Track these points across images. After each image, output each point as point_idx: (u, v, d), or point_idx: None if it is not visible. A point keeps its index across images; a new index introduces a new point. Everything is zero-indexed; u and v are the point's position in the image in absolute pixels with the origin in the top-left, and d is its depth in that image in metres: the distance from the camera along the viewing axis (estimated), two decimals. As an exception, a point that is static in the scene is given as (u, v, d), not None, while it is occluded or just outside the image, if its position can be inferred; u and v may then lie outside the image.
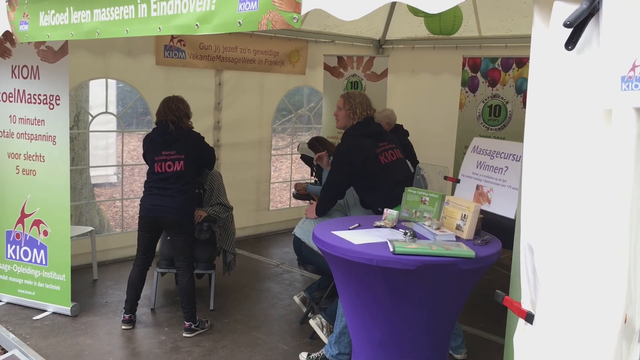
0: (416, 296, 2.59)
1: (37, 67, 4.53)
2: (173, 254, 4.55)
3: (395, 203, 3.79)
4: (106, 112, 6.05)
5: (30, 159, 4.65)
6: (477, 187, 3.00)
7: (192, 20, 2.51)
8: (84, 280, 5.44)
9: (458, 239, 2.85)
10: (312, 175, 6.37)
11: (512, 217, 2.62)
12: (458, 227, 2.87)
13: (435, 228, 2.86)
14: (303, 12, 2.11)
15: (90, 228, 5.51)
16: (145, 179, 4.54)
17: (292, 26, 2.13)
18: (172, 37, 6.07)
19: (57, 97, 4.48)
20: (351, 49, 7.80)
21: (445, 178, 3.23)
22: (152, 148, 4.46)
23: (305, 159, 6.16)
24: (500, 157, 2.89)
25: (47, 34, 3.45)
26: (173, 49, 6.11)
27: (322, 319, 4.31)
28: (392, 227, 3.06)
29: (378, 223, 3.09)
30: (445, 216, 2.97)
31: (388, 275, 2.53)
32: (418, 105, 7.58)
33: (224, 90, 6.66)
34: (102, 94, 6.28)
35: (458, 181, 3.19)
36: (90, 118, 6.25)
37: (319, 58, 7.40)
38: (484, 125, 6.63)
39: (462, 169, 3.17)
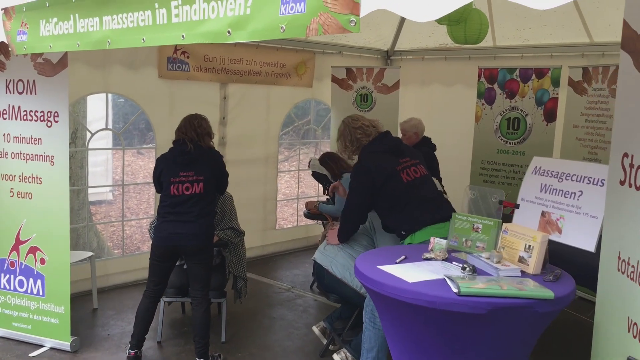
0: (482, 342, 2.25)
1: (34, 81, 4.18)
2: (189, 282, 4.17)
3: (419, 225, 3.45)
4: (106, 129, 5.68)
5: (26, 180, 4.28)
6: (543, 213, 2.67)
7: (222, 26, 2.17)
8: (84, 309, 5.05)
9: (523, 273, 2.52)
10: (324, 193, 6.03)
11: (592, 249, 2.29)
12: (522, 260, 2.54)
13: (496, 261, 2.53)
14: (362, 13, 1.78)
15: (90, 253, 5.12)
16: (159, 203, 4.17)
17: (349, 30, 1.80)
18: (176, 48, 5.74)
19: (56, 114, 4.12)
20: (359, 61, 7.50)
21: (501, 203, 2.90)
22: (168, 169, 4.11)
23: (317, 176, 5.84)
24: (572, 180, 2.56)
25: (49, 44, 3.10)
26: (176, 61, 5.78)
27: (347, 353, 3.96)
28: (443, 260, 2.72)
29: (427, 255, 2.75)
30: (504, 246, 2.64)
31: (450, 320, 2.19)
32: (430, 119, 7.21)
33: (229, 104, 6.33)
34: (99, 109, 5.94)
35: (517, 207, 2.86)
36: (88, 135, 5.88)
37: (326, 70, 7.09)
38: (502, 139, 6.33)
39: (522, 193, 2.84)
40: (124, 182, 5.85)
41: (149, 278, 4.18)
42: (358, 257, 2.77)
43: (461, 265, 2.53)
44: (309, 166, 5.86)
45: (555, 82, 5.92)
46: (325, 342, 4.33)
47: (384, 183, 3.62)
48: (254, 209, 6.58)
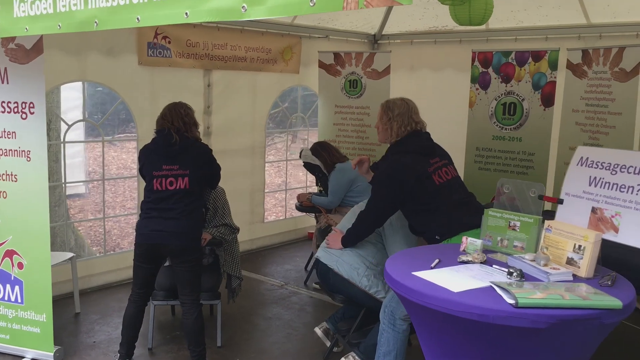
0: (536, 357, 2.02)
1: (5, 69, 3.80)
2: (177, 286, 3.87)
3: (455, 232, 3.20)
4: (84, 120, 5.31)
5: (0, 178, 3.91)
6: (594, 210, 2.44)
7: (235, 1, 1.87)
8: (65, 314, 4.71)
9: (574, 277, 2.29)
10: (317, 184, 5.76)
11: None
12: (571, 262, 2.31)
13: (543, 264, 2.29)
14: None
15: (71, 254, 4.78)
16: (143, 199, 3.85)
17: (399, 2, 1.52)
18: (156, 32, 5.39)
19: (31, 105, 3.76)
20: (345, 45, 7.21)
21: (541, 198, 2.66)
22: (150, 161, 3.78)
23: (309, 166, 5.56)
24: (628, 172, 2.33)
25: (24, 27, 2.76)
26: (157, 46, 5.42)
27: (356, 357, 3.71)
28: (482, 263, 2.47)
29: (463, 258, 2.50)
30: (547, 246, 2.40)
31: (504, 334, 1.95)
32: (420, 105, 6.95)
33: (214, 91, 5.99)
34: (73, 99, 5.55)
35: (560, 202, 2.62)
36: (62, 126, 5.49)
37: (313, 55, 6.79)
38: (497, 125, 6.11)
39: (566, 187, 2.60)
40: (104, 177, 5.50)
41: (133, 281, 3.88)
42: (387, 262, 2.51)
43: (505, 269, 2.28)
44: (300, 156, 5.57)
45: (553, 65, 5.72)
46: (328, 344, 4.08)
47: (414, 186, 3.33)
48: (241, 202, 6.27)
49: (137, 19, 2.21)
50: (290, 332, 4.51)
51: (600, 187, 2.43)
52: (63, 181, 5.74)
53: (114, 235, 8.12)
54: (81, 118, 5.64)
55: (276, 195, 9.26)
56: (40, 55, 3.64)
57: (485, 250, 2.64)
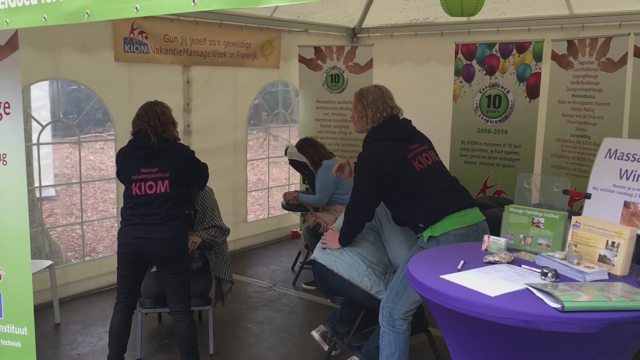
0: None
1: (-23, 67, 3.54)
2: (166, 294, 3.68)
3: (439, 216, 3.10)
4: (59, 120, 5.05)
5: (-27, 184, 3.65)
6: (627, 204, 2.34)
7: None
8: (45, 325, 4.47)
9: (609, 275, 2.19)
10: (303, 182, 5.60)
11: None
12: (603, 260, 2.20)
13: (575, 262, 2.18)
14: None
15: (49, 262, 4.54)
16: (123, 205, 3.65)
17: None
18: (132, 27, 5.16)
19: (6, 105, 3.49)
20: (325, 39, 7.06)
21: (566, 192, 2.55)
22: (128, 165, 3.59)
23: (295, 164, 5.40)
24: (662, 164, 2.24)
25: (4, 20, 2.53)
26: (134, 42, 5.19)
27: (359, 361, 3.58)
28: (509, 263, 2.36)
29: (490, 258, 2.38)
30: (576, 243, 2.30)
31: (549, 340, 1.83)
32: (403, 99, 6.81)
33: (193, 88, 5.78)
34: (41, 98, 5.29)
35: (587, 196, 2.52)
36: (34, 126, 5.23)
37: (293, 50, 6.63)
38: (482, 118, 6.05)
39: (594, 180, 2.49)
40: (81, 179, 5.26)
41: (118, 290, 3.69)
42: (410, 264, 2.37)
43: (536, 269, 2.17)
44: (285, 153, 5.41)
45: (538, 57, 5.67)
46: (326, 348, 3.93)
47: (395, 173, 3.23)
48: (223, 202, 6.02)
49: (136, 8, 2.01)
50: (284, 336, 4.36)
51: (633, 180, 2.34)
52: (37, 185, 5.46)
53: (88, 239, 7.82)
54: (49, 118, 5.37)
55: (253, 194, 9.08)
56: (16, 52, 3.39)
57: (508, 249, 2.53)
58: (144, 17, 5.18)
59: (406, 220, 3.37)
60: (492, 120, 6.01)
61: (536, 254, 2.42)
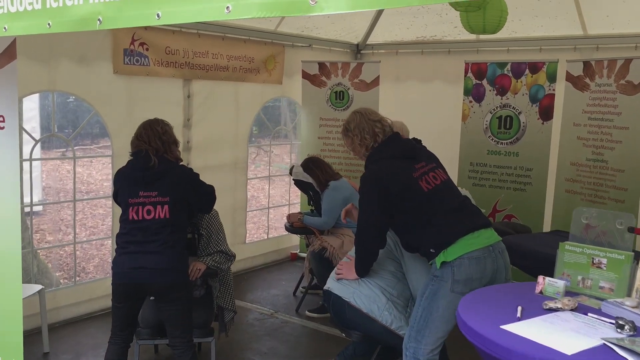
0: None
1: (-31, 77, 3.27)
2: (165, 326, 3.41)
3: (451, 239, 2.87)
4: (54, 135, 4.77)
5: (-40, 203, 3.36)
6: None
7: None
8: (32, 355, 4.16)
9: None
10: (309, 203, 5.35)
11: None
12: (680, 307, 1.98)
13: (650, 311, 1.95)
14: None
15: (39, 286, 4.23)
16: (118, 231, 3.38)
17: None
18: (133, 38, 4.91)
19: (1, 119, 3.24)
20: (328, 55, 6.86)
21: (632, 230, 2.33)
22: (125, 187, 3.34)
23: (301, 184, 5.16)
24: None
25: (3, 26, 2.28)
26: (134, 53, 4.94)
27: (377, 401, 3.31)
28: (572, 310, 2.11)
29: (550, 304, 2.13)
30: (644, 287, 2.08)
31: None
32: (408, 118, 6.66)
33: (194, 103, 5.53)
34: (30, 110, 5.02)
35: None
36: (27, 140, 4.94)
37: (296, 65, 6.41)
38: (492, 139, 5.85)
39: None
40: (75, 198, 4.97)
41: (113, 323, 3.41)
42: (462, 310, 2.12)
43: (606, 319, 1.93)
44: (290, 173, 5.17)
45: (552, 77, 5.49)
46: (338, 384, 3.66)
47: (400, 194, 3.00)
48: (222, 222, 5.79)
49: (158, 15, 1.77)
50: (290, 369, 4.08)
51: None
52: (29, 202, 5.16)
53: (77, 258, 7.48)
54: (38, 130, 5.09)
55: (248, 213, 8.79)
56: (13, 62, 3.12)
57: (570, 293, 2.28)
58: (145, 28, 4.94)
59: (416, 246, 3.13)
60: (503, 142, 5.82)
61: (599, 299, 2.19)
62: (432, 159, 3.23)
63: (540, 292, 2.31)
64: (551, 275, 3.78)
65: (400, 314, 3.21)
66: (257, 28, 5.87)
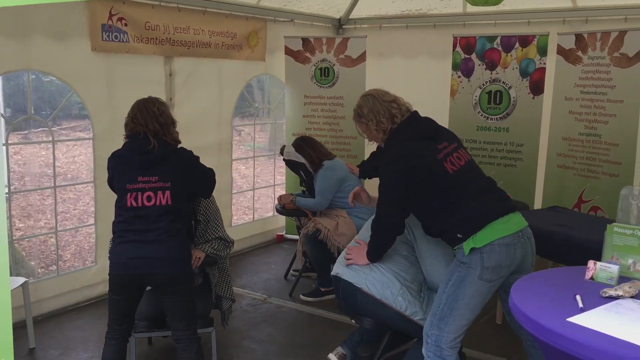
0: None
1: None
2: (168, 319, 3.23)
3: (480, 223, 2.75)
4: (31, 117, 4.47)
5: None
6: None
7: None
8: (18, 351, 3.93)
9: None
10: (301, 184, 5.18)
11: None
12: None
13: None
14: None
15: (23, 279, 3.99)
16: (114, 218, 3.16)
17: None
18: (111, 13, 4.62)
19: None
20: (310, 30, 6.64)
21: None
22: (122, 172, 3.11)
23: (293, 164, 4.98)
24: None
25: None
26: (113, 29, 4.65)
27: (391, 388, 3.20)
28: (633, 297, 2.00)
29: (610, 292, 2.01)
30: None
31: None
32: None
33: (176, 82, 5.27)
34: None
35: None
36: (4, 125, 4.63)
37: (279, 41, 6.18)
38: (482, 115, 5.75)
39: None
40: (56, 184, 4.69)
41: (110, 317, 3.20)
42: (517, 300, 1.99)
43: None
44: (282, 153, 4.98)
45: (542, 51, 5.40)
46: (346, 372, 3.54)
47: (426, 178, 2.86)
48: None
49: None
50: (291, 358, 3.94)
51: None
52: (6, 191, 4.86)
53: (51, 245, 7.18)
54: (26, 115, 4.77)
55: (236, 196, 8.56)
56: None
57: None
58: (124, 2, 4.65)
59: (440, 231, 2.99)
60: (493, 117, 5.72)
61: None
62: (453, 138, 3.07)
63: (591, 278, 2.20)
64: (554, 254, 3.71)
65: (414, 299, 3.10)
66: (239, 2, 5.62)
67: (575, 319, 1.80)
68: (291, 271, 5.46)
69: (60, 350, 3.98)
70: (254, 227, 6.44)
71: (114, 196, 3.15)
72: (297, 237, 5.97)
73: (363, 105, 3.06)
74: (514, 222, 2.83)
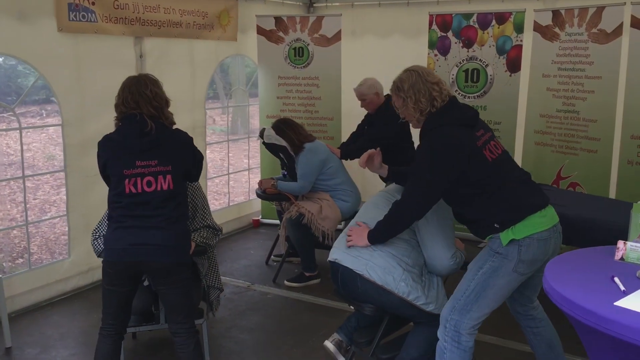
0: None
1: None
2: (166, 311, 3.08)
3: (521, 215, 2.69)
4: (-4, 103, 4.20)
5: None
6: None
7: None
8: (-7, 352, 3.71)
9: None
10: (282, 168, 5.04)
11: None
12: None
13: None
14: None
15: (-4, 275, 3.76)
16: (109, 205, 2.97)
17: None
18: (77, -8, 4.36)
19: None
20: (281, 9, 6.46)
21: None
22: (117, 157, 2.91)
23: (273, 148, 4.84)
24: None
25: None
26: (80, 8, 4.39)
27: (394, 375, 3.13)
28: None
29: None
30: None
31: None
32: (367, 75, 6.44)
33: (147, 63, 5.03)
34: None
35: None
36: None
37: (251, 20, 5.99)
38: (459, 93, 5.71)
39: None
40: (24, 173, 4.44)
41: (104, 310, 3.02)
42: (553, 283, 1.91)
43: None
44: (261, 136, 4.83)
45: (519, 28, 5.38)
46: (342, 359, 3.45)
47: (467, 165, 2.74)
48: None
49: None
50: (283, 346, 3.84)
51: None
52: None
53: (14, 237, 6.87)
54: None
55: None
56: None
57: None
58: (90, -20, 4.40)
59: (474, 218, 2.88)
60: (470, 95, 5.69)
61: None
62: (487, 127, 2.98)
63: (622, 259, 2.16)
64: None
65: (416, 283, 3.02)
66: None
67: (622, 303, 1.75)
68: (272, 256, 5.34)
69: (38, 349, 3.77)
70: (229, 212, 6.28)
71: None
72: (275, 221, 5.86)
73: (405, 79, 2.90)
74: (550, 216, 2.77)
